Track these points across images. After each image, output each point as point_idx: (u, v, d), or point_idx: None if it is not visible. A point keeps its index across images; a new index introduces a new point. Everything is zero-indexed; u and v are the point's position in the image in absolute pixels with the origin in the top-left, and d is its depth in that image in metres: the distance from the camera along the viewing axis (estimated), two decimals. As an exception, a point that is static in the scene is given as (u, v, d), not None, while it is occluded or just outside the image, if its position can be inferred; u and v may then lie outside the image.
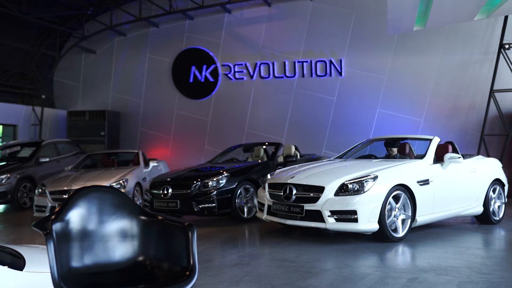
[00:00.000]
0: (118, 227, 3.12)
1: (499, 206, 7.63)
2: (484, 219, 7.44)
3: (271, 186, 6.68)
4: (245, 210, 8.13)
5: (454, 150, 7.42)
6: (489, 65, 12.43)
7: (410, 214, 6.12)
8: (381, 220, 5.80)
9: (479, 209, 7.26)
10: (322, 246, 5.92)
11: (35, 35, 16.24)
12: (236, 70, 15.10)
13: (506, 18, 11.94)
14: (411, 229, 6.27)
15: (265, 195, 6.72)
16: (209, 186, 7.84)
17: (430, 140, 7.15)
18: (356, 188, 5.84)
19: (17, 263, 2.71)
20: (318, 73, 14.16)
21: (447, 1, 8.94)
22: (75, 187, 8.75)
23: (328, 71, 14.05)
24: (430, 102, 13.12)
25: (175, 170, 9.16)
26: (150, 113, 16.19)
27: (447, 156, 6.80)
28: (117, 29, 16.17)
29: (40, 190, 9.23)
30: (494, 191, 7.54)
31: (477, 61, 12.73)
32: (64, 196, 8.76)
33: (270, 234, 6.90)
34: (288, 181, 6.35)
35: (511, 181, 8.52)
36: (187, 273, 2.82)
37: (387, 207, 5.89)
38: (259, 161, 9.21)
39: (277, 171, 7.36)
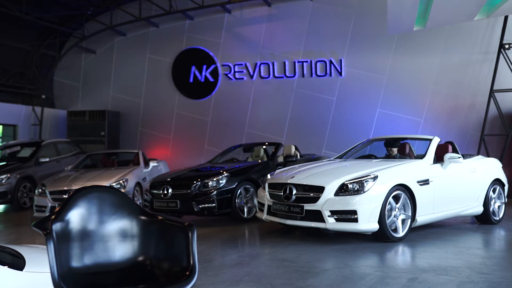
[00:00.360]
0: (118, 227, 3.12)
1: (499, 206, 7.63)
2: (484, 219, 7.44)
3: (271, 186, 6.68)
4: (245, 210, 8.13)
5: (454, 150, 7.42)
6: (489, 65, 12.43)
7: (410, 214, 6.12)
8: (381, 220, 5.80)
9: (479, 209, 7.26)
10: (322, 246, 5.92)
11: (35, 35, 16.24)
12: (236, 70, 15.10)
13: (506, 18, 11.95)
14: (411, 229, 6.26)
15: (265, 195, 6.72)
16: (209, 186, 7.84)
17: (430, 140, 7.15)
18: (356, 188, 5.84)
19: (17, 263, 2.71)
20: (318, 73, 14.16)
21: (447, 1, 8.94)
22: (75, 187, 8.75)
23: (328, 71, 14.05)
24: (430, 102, 13.12)
25: (175, 170, 9.16)
26: (150, 113, 16.19)
27: (447, 156, 6.80)
28: (117, 29, 16.17)
29: (40, 190, 9.23)
30: (494, 191, 7.54)
31: (477, 61, 12.73)
32: (64, 196, 8.76)
33: (270, 234, 6.90)
34: (288, 181, 6.35)
35: (511, 181, 8.51)
36: (187, 273, 2.82)
37: (387, 207, 5.89)
38: (259, 161, 9.21)
39: (277, 171, 7.36)
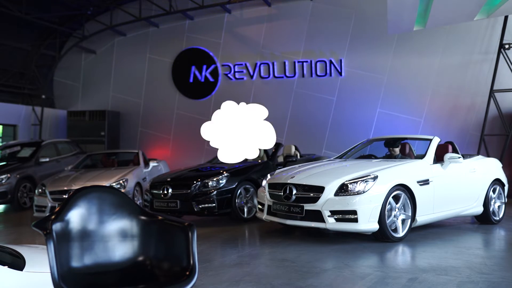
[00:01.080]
0: (118, 227, 3.12)
1: (499, 206, 7.63)
2: (484, 219, 7.44)
3: (271, 186, 6.68)
4: (245, 210, 8.13)
5: (454, 150, 7.42)
6: (489, 65, 12.43)
7: (410, 214, 6.12)
8: (381, 220, 5.80)
9: (479, 209, 7.26)
10: (322, 246, 5.92)
11: (35, 35, 16.23)
12: (236, 70, 15.10)
13: (506, 18, 11.94)
14: (411, 229, 6.26)
15: (265, 195, 6.72)
16: (209, 186, 7.84)
17: (430, 140, 7.15)
18: (356, 188, 5.83)
19: (17, 263, 2.71)
20: (318, 73, 14.16)
21: (447, 1, 8.93)
22: (75, 187, 8.75)
23: (328, 71, 14.05)
24: (430, 102, 13.11)
25: (175, 170, 9.16)
26: (150, 113, 16.18)
27: (447, 156, 6.80)
28: (117, 29, 16.16)
29: (40, 190, 9.23)
30: (494, 191, 7.54)
31: (477, 61, 12.72)
32: (64, 196, 8.76)
33: (270, 234, 6.90)
34: (288, 181, 6.35)
35: (511, 181, 8.51)
36: (187, 273, 2.82)
37: (387, 207, 5.89)
38: (259, 161, 9.21)
39: (277, 171, 7.36)
